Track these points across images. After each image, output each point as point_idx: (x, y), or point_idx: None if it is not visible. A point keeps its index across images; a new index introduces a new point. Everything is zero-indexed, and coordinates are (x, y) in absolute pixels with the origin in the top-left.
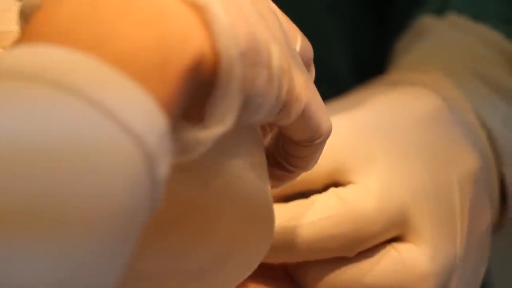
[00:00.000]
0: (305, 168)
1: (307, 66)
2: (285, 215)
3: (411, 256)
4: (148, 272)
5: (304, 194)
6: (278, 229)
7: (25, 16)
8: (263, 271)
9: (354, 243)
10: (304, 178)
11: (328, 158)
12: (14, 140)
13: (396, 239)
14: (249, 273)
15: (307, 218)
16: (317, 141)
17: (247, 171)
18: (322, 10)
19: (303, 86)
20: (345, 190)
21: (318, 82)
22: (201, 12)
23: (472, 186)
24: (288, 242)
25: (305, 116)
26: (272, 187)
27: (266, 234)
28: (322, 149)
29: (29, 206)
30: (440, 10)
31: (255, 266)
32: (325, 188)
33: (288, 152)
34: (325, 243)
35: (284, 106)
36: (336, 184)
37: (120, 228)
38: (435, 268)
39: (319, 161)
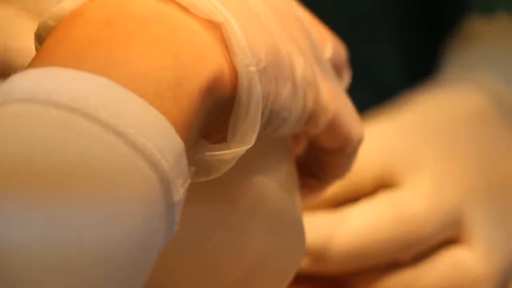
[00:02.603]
0: (338, 176)
1: (339, 71)
2: (335, 220)
3: (465, 260)
4: None
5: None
6: (328, 236)
7: (40, 38)
8: (310, 279)
9: (406, 247)
10: (352, 182)
11: (375, 162)
12: (26, 163)
13: (450, 241)
14: (285, 284)
15: (357, 223)
16: (348, 150)
17: (274, 187)
18: (369, 14)
19: (331, 95)
20: (395, 194)
21: (361, 89)
22: (219, 30)
23: None
24: (339, 248)
25: (334, 125)
26: (304, 197)
27: (297, 249)
28: (355, 158)
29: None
30: (489, 8)
31: (290, 277)
32: (374, 190)
33: (319, 160)
34: (377, 248)
35: (311, 117)
36: (385, 186)
37: (135, 252)
38: (491, 270)
39: (367, 165)
